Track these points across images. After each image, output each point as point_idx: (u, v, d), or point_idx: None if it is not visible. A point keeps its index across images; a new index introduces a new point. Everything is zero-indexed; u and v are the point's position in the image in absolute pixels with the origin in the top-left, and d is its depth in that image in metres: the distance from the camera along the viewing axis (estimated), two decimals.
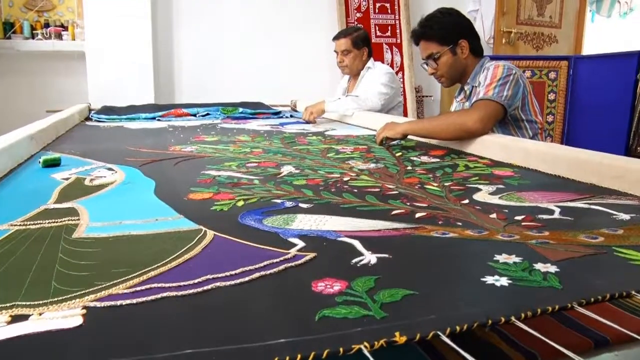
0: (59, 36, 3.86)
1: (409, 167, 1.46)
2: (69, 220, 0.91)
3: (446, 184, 1.24)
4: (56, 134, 2.08)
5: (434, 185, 1.23)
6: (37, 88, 3.99)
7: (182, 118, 2.88)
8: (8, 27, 3.83)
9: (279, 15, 4.39)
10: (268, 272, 0.66)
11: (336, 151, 1.74)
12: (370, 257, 0.73)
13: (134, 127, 2.56)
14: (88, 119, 2.90)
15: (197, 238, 0.80)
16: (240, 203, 1.03)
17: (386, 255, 0.73)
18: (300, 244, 0.78)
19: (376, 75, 2.87)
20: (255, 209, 0.99)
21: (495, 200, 1.10)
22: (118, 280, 0.63)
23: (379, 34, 4.45)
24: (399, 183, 1.25)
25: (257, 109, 3.06)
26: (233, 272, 0.66)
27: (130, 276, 0.65)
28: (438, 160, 1.59)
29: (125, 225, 0.88)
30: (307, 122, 2.73)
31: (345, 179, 1.29)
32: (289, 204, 1.03)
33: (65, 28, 3.93)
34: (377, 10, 4.47)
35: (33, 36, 3.86)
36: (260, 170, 1.39)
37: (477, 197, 1.12)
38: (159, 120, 2.83)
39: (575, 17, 4.76)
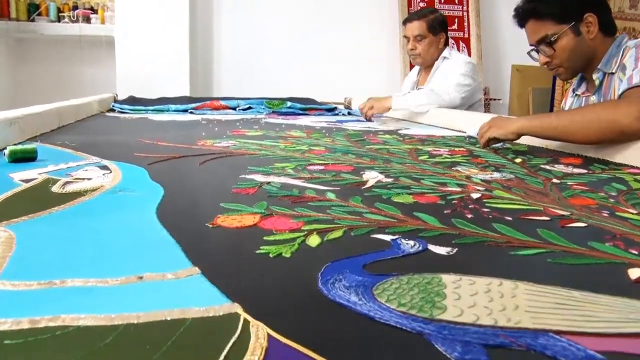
0: (87, 19, 3.46)
1: (555, 180, 0.95)
2: None
3: None
4: (59, 122, 1.63)
5: (632, 213, 0.71)
6: (62, 77, 3.60)
7: (219, 111, 2.41)
8: (33, 8, 3.45)
9: (331, 2, 3.90)
10: None
11: (428, 154, 1.23)
12: None
13: (160, 119, 2.11)
14: (111, 110, 2.47)
15: (226, 350, 0.31)
16: (314, 240, 0.53)
17: None
18: None
19: (454, 66, 2.35)
20: (348, 256, 0.49)
21: None
22: None
23: None
24: (569, 206, 0.74)
25: (308, 104, 2.57)
26: None
27: None
28: (583, 171, 1.07)
29: (68, 291, 0.40)
30: (365, 119, 2.24)
31: (474, 195, 0.78)
32: (408, 244, 0.53)
33: (95, 11, 3.53)
34: (443, 0, 3.94)
35: (59, 19, 3.47)
36: (331, 177, 0.89)
37: None
38: (191, 112, 2.37)
39: None
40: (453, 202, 0.74)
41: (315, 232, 0.56)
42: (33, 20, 3.44)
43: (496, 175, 0.98)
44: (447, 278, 0.44)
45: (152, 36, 3.35)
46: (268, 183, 0.82)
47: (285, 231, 0.56)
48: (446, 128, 1.95)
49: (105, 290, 0.40)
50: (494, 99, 4.22)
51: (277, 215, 0.62)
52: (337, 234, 0.56)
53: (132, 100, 2.59)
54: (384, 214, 0.65)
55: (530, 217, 0.67)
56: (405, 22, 2.48)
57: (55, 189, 0.75)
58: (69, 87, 3.50)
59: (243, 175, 0.88)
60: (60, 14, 3.48)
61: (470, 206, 0.71)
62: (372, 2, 3.93)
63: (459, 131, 1.82)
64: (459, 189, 0.82)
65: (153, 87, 3.11)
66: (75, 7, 3.51)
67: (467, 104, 2.31)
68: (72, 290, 0.40)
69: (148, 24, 3.34)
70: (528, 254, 0.52)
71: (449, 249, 0.52)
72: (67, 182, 0.79)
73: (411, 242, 0.53)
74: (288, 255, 0.49)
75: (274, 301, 0.39)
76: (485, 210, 0.70)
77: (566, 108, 1.77)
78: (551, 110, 3.70)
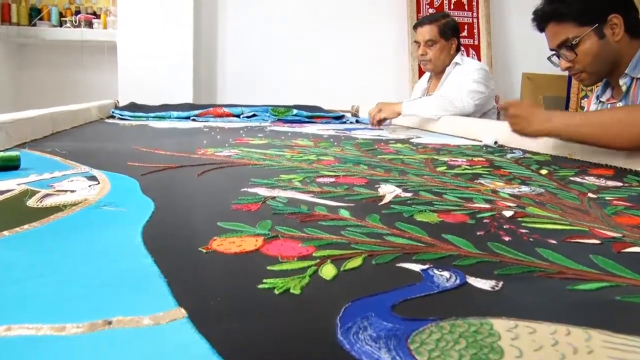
0: (90, 24, 3.39)
1: (591, 195, 0.85)
2: None
3: None
4: (53, 129, 1.55)
5: None
6: (63, 82, 3.53)
7: (222, 119, 2.33)
8: (35, 13, 3.39)
9: (338, 8, 3.83)
10: None
11: (446, 164, 1.14)
12: None
13: (161, 126, 2.03)
14: (111, 117, 2.39)
15: None
16: (329, 271, 0.44)
17: None
18: None
19: (467, 72, 2.26)
20: (372, 293, 0.40)
21: None
22: None
23: None
24: (617, 226, 0.65)
25: (314, 112, 2.49)
26: None
27: None
28: (618, 183, 0.97)
29: (12, 342, 0.31)
30: (373, 124, 2.16)
31: (507, 213, 0.69)
32: (443, 277, 0.43)
33: (97, 16, 3.46)
34: (452, 7, 3.86)
35: (61, 24, 3.41)
36: (343, 191, 0.80)
37: None
38: (194, 120, 2.29)
39: None
40: (484, 221, 0.64)
41: (329, 261, 0.46)
42: (34, 25, 3.38)
43: (525, 189, 0.89)
44: (500, 324, 0.35)
45: (155, 42, 3.28)
46: (273, 198, 0.73)
47: (294, 258, 0.47)
48: (460, 137, 1.86)
49: (61, 341, 0.31)
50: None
51: (283, 237, 0.53)
52: (356, 262, 0.46)
53: (133, 107, 2.52)
54: (408, 237, 0.55)
55: (578, 240, 0.58)
56: (416, 26, 2.41)
57: (31, 202, 0.66)
58: (71, 93, 3.43)
59: (245, 189, 0.79)
60: (62, 19, 3.42)
61: (505, 226, 0.62)
62: (380, 9, 3.85)
63: (474, 140, 1.73)
64: (487, 206, 0.73)
65: (156, 94, 3.03)
66: (77, 12, 3.45)
67: (480, 112, 2.22)
68: (17, 342, 0.31)
69: (151, 30, 3.27)
70: (589, 289, 0.43)
71: (492, 282, 0.43)
72: (47, 195, 0.70)
73: (446, 274, 0.44)
74: (297, 291, 0.39)
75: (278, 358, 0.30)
76: (523, 231, 0.60)
77: None
78: None
